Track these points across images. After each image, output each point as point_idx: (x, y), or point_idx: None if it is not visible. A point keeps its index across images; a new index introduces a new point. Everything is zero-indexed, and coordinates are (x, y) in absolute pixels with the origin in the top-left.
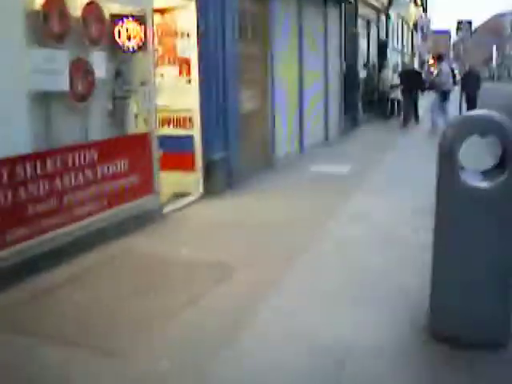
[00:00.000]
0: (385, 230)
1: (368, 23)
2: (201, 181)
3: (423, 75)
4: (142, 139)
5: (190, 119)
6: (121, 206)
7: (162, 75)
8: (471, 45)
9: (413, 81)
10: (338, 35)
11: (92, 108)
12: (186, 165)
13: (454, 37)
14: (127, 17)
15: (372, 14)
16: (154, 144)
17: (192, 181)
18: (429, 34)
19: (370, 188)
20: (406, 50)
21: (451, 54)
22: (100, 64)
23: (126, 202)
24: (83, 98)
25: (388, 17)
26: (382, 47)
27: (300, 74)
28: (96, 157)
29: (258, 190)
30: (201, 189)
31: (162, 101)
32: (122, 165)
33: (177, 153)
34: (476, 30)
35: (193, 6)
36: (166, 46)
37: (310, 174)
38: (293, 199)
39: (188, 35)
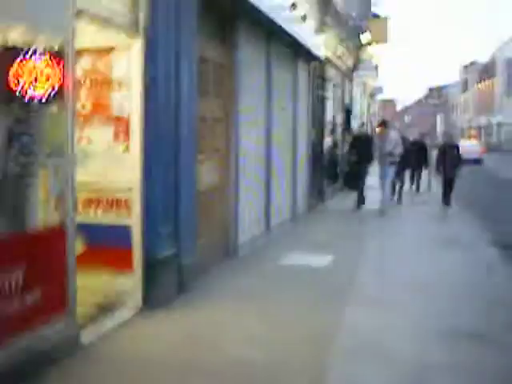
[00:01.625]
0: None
1: (334, 86)
2: (139, 287)
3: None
4: (51, 236)
5: (127, 202)
6: (12, 339)
7: (88, 140)
8: (417, 114)
9: (364, 147)
10: (307, 97)
11: None
12: (119, 264)
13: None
14: (34, 51)
15: (338, 77)
16: (70, 241)
17: (127, 287)
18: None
19: (364, 293)
20: (364, 118)
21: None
22: None
23: (20, 331)
24: None
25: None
26: (347, 112)
27: (268, 141)
28: None
29: (217, 296)
30: (139, 298)
31: (87, 174)
32: (13, 278)
33: (107, 247)
34: (420, 100)
35: (137, 47)
36: (95, 100)
37: (283, 269)
38: (265, 314)
39: (127, 87)
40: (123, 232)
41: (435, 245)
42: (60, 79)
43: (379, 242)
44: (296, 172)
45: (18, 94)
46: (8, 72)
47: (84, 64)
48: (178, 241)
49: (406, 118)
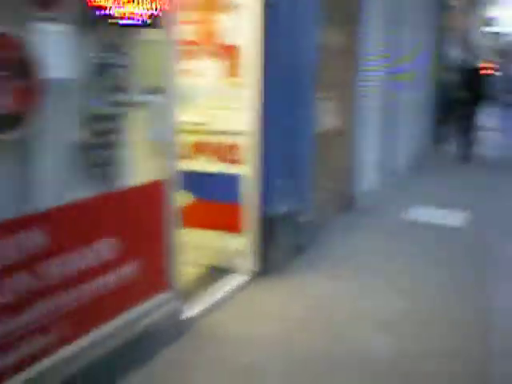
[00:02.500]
0: None
1: (456, 15)
2: (252, 250)
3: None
4: (149, 196)
5: (240, 148)
6: (104, 322)
7: (194, 74)
8: None
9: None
10: (429, 24)
11: (38, 142)
12: (229, 222)
13: None
14: None
15: (459, 6)
16: (172, 202)
17: (238, 249)
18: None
19: None
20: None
21: None
22: (58, 50)
23: (117, 312)
24: (14, 121)
25: None
26: (467, 45)
27: (394, 76)
28: (48, 238)
29: (339, 260)
30: (253, 261)
31: (193, 115)
32: (105, 248)
33: (215, 201)
34: None
35: None
36: (201, 26)
37: (410, 227)
38: (395, 286)
39: (240, 8)
40: (234, 183)
41: None
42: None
43: None
44: (418, 114)
45: (108, 13)
46: None
47: None
48: (296, 194)
49: None
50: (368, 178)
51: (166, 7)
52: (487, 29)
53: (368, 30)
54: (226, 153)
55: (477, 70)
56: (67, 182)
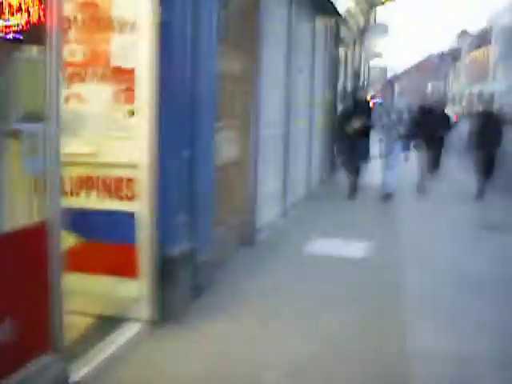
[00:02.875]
0: None
1: (346, 48)
2: (149, 296)
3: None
4: (28, 241)
5: (132, 182)
6: None
7: (80, 99)
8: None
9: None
10: (323, 58)
11: None
12: (123, 266)
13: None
14: None
15: (349, 39)
16: (56, 247)
17: (133, 295)
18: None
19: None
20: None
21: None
22: None
23: None
24: None
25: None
26: (356, 78)
27: (287, 106)
28: None
29: (241, 300)
30: (148, 308)
31: (79, 145)
32: None
33: (106, 242)
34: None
35: None
36: (90, 45)
37: (312, 261)
38: (302, 328)
39: (133, 29)
40: (128, 222)
41: None
42: (40, 9)
43: (411, 226)
44: (312, 142)
45: None
46: None
47: None
48: (195, 231)
49: (397, 86)
50: (268, 209)
51: (48, 20)
52: (375, 62)
53: (266, 55)
54: (118, 188)
55: (365, 100)
56: None
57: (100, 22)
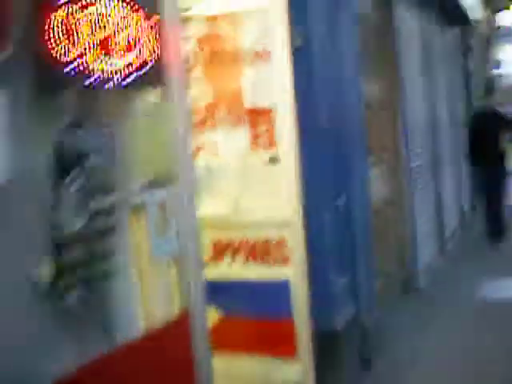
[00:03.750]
0: None
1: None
2: (309, 378)
3: None
4: (170, 336)
5: (282, 243)
6: None
7: (212, 149)
8: None
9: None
10: (456, 69)
11: None
12: (277, 345)
13: None
14: None
15: (477, 47)
16: (201, 334)
17: (290, 378)
18: None
19: None
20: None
21: None
22: None
23: None
24: None
25: None
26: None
27: (433, 132)
28: None
29: (417, 373)
30: None
31: (215, 205)
32: None
33: (254, 318)
34: None
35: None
36: (219, 84)
37: (489, 309)
38: None
39: (266, 60)
40: (280, 291)
41: None
42: (156, 46)
43: None
44: (460, 167)
45: (79, 69)
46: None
47: (195, 29)
48: (357, 294)
49: None
50: (426, 250)
51: (167, 57)
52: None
53: (406, 75)
54: (265, 251)
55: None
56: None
57: (227, 56)
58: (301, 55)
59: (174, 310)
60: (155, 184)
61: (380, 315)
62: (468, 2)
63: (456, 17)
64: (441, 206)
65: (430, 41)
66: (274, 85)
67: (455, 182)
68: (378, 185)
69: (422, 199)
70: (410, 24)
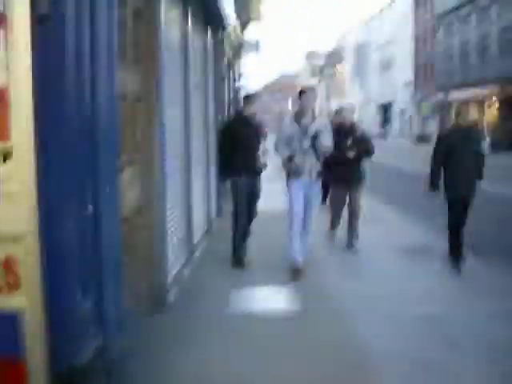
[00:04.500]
0: None
1: (228, 66)
2: None
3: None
4: None
5: (13, 263)
6: None
7: None
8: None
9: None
10: (213, 74)
11: None
12: None
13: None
14: None
15: (230, 54)
16: None
17: None
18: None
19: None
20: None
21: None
22: None
23: None
24: None
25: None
26: (236, 95)
27: (186, 132)
28: None
29: None
30: None
31: None
32: None
33: None
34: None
35: None
36: None
37: (238, 326)
38: None
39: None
40: (5, 326)
41: None
42: None
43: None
44: (209, 170)
45: None
46: None
47: None
48: (104, 320)
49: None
50: (174, 262)
51: None
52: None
53: (165, 73)
54: None
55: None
56: None
57: None
58: (48, 28)
59: None
60: None
61: (130, 341)
62: (226, 9)
63: (215, 21)
64: (190, 213)
65: (190, 39)
66: (10, 60)
67: (204, 187)
68: (128, 190)
69: (173, 205)
70: (172, 16)
